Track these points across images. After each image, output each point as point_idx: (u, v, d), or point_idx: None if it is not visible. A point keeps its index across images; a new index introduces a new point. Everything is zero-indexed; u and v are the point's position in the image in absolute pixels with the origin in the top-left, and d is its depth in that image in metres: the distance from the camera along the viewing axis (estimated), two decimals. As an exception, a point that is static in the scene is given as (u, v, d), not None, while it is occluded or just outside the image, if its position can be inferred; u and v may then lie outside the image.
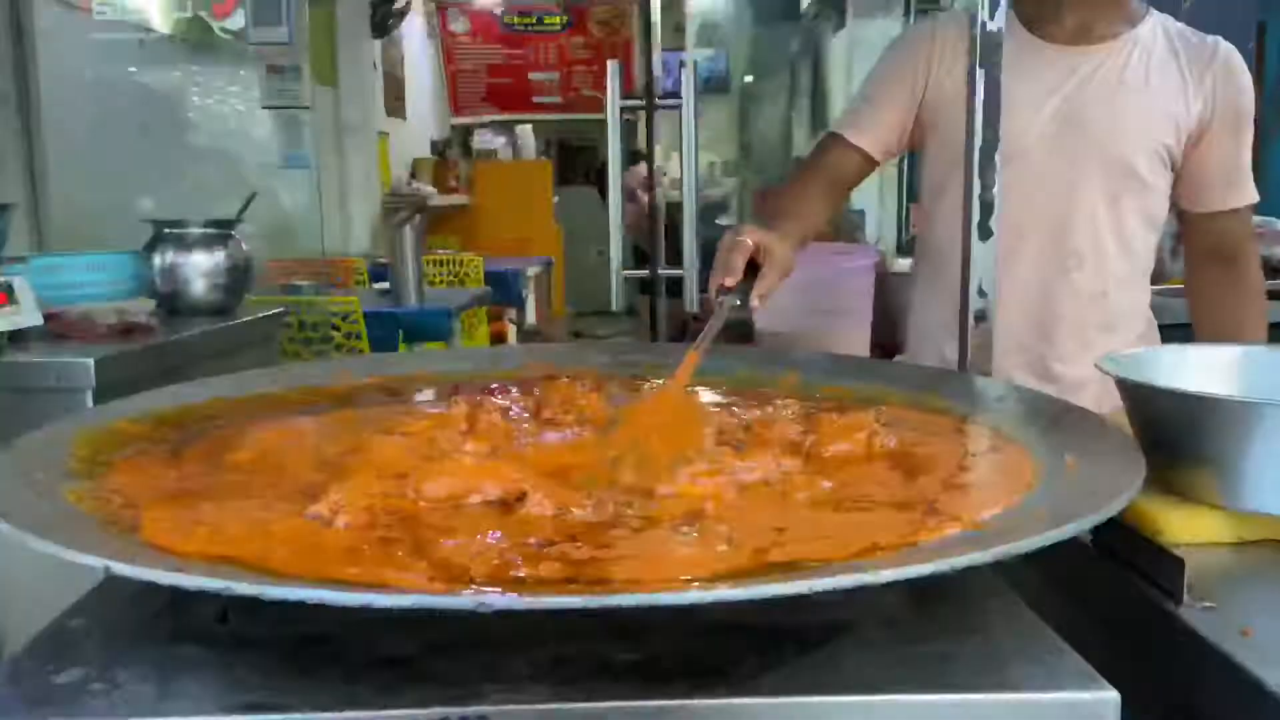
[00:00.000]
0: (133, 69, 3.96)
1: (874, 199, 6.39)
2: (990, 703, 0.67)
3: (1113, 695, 0.67)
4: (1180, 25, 1.60)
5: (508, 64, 9.02)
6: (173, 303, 2.49)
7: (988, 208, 1.20)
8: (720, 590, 0.56)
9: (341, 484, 0.80)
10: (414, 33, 7.90)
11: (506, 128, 8.72)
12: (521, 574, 0.65)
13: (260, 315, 2.58)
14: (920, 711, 0.67)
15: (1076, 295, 1.58)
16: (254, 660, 0.71)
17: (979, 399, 1.15)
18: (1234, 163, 1.57)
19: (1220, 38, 1.57)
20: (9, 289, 2.02)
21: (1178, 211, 1.64)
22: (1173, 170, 1.57)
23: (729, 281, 1.27)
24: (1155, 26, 1.57)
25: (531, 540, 0.71)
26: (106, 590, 0.83)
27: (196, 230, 2.49)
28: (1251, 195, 1.58)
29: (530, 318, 6.57)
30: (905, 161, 6.24)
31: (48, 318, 2.18)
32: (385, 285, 4.08)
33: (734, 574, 0.66)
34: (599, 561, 0.68)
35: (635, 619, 0.76)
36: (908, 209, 6.05)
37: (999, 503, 0.80)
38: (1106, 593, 0.94)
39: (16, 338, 2.04)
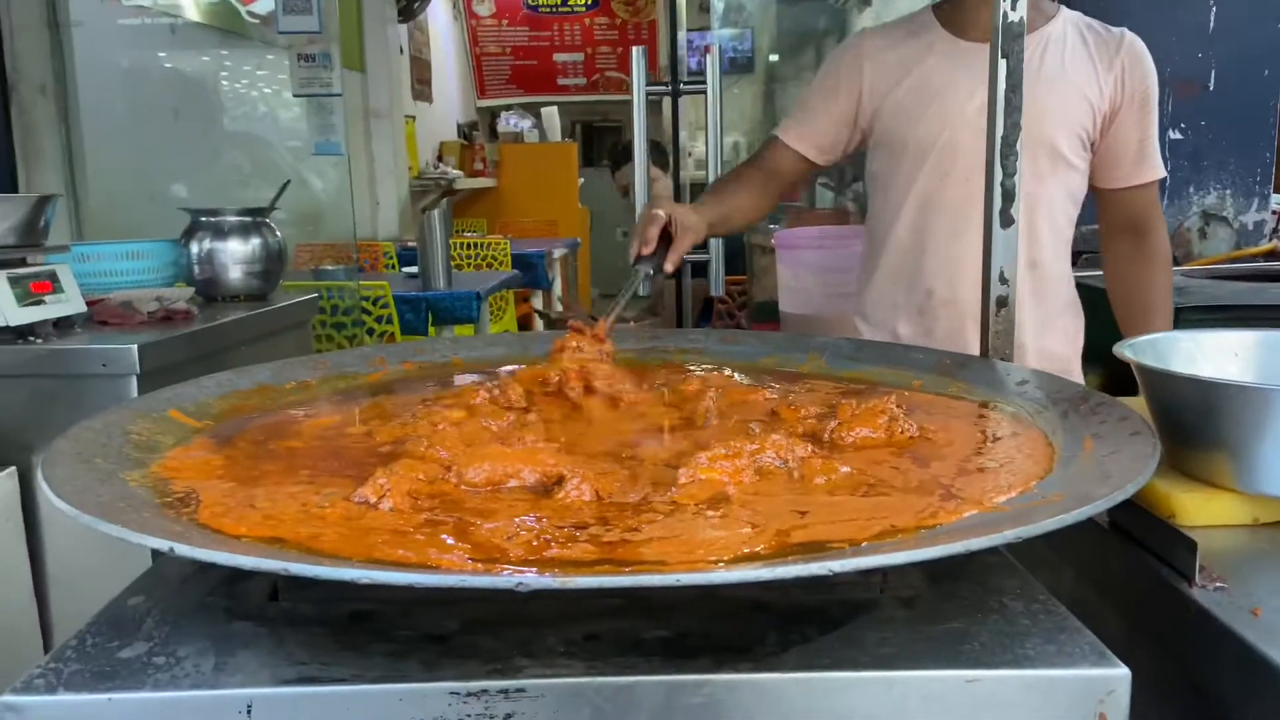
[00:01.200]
0: (164, 56, 4.01)
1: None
2: (1005, 679, 0.70)
3: (1124, 672, 0.69)
4: (1089, 19, 1.72)
5: (532, 46, 9.03)
6: (210, 289, 2.55)
7: (1009, 195, 1.21)
8: (745, 570, 0.59)
9: (388, 469, 0.84)
10: (439, 16, 7.92)
11: (532, 110, 8.73)
12: (555, 555, 0.69)
13: (294, 301, 2.63)
14: (937, 687, 0.70)
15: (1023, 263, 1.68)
16: (304, 636, 0.75)
17: (1000, 384, 1.18)
18: (1142, 141, 1.69)
19: (1125, 29, 1.70)
20: (53, 277, 2.08)
21: (1092, 188, 1.76)
22: (1090, 151, 1.70)
23: (643, 250, 1.43)
24: (1065, 22, 1.70)
25: (565, 523, 0.75)
26: (160, 571, 0.88)
27: (232, 218, 2.54)
28: (1158, 170, 1.72)
29: (557, 301, 6.61)
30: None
31: (91, 305, 2.24)
32: (414, 269, 4.13)
33: (758, 555, 0.69)
34: (629, 543, 0.71)
35: (663, 598, 0.80)
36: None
37: (1016, 486, 0.82)
38: (1122, 573, 0.97)
39: (61, 325, 2.10)
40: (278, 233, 2.64)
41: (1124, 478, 0.76)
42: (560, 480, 0.84)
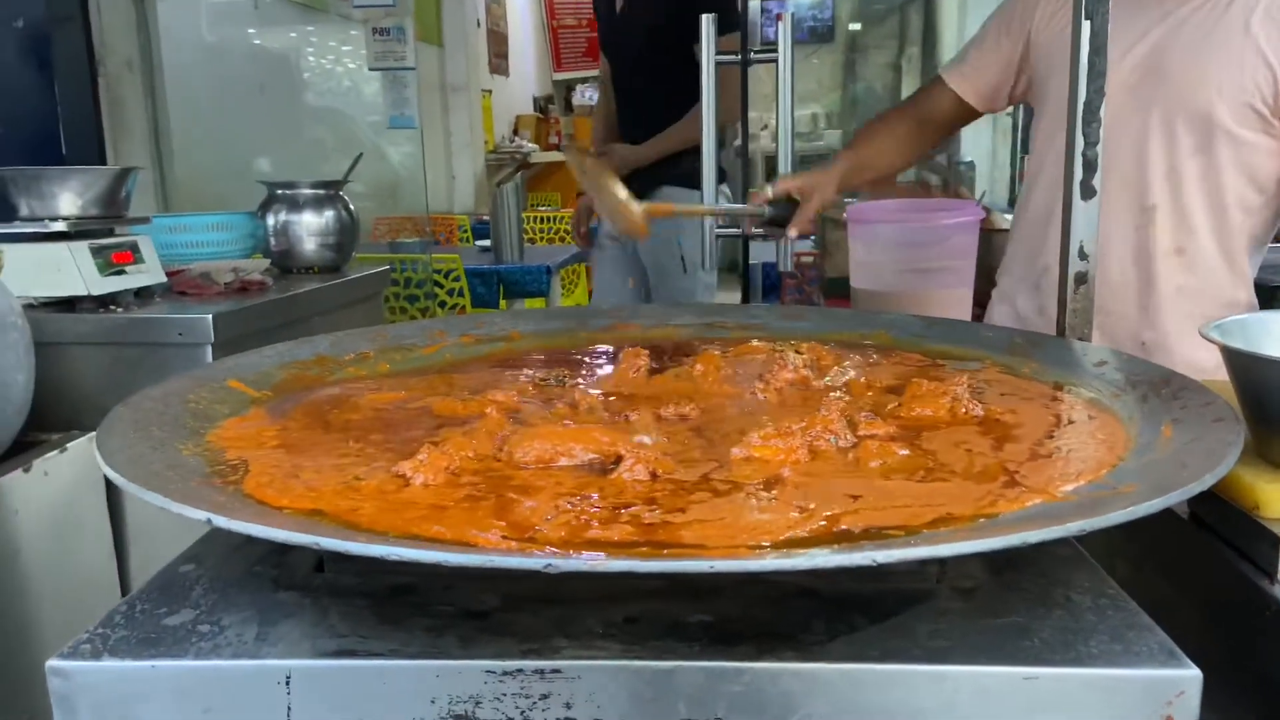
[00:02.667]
0: (247, 32, 4.09)
1: (986, 151, 6.18)
2: (1065, 677, 0.66)
3: (1194, 673, 0.65)
4: None
5: (611, 18, 8.98)
6: (285, 261, 2.59)
7: (1090, 165, 1.15)
8: (781, 559, 0.57)
9: (435, 444, 0.83)
10: (517, -13, 7.93)
11: (609, 82, 8.69)
12: (594, 536, 0.67)
13: (367, 273, 2.66)
14: (991, 683, 0.66)
15: (1150, 253, 1.52)
16: (345, 609, 0.75)
17: (1075, 365, 1.12)
18: None
19: None
20: (134, 248, 2.13)
21: None
22: None
23: (764, 195, 1.50)
24: None
25: (609, 503, 0.73)
26: (213, 538, 0.89)
27: (306, 190, 2.58)
28: None
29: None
30: (1019, 113, 6.03)
31: (171, 276, 2.30)
32: (487, 243, 4.16)
33: (804, 541, 0.66)
34: (670, 525, 0.69)
35: (706, 582, 0.78)
36: (1020, 162, 5.84)
37: (1085, 475, 0.78)
38: (1201, 568, 0.92)
39: (142, 294, 2.16)
40: (351, 205, 2.67)
41: (1202, 467, 0.71)
42: (618, 460, 0.82)
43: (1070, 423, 0.94)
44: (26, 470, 1.67)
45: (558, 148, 7.98)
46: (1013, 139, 5.99)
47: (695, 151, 2.94)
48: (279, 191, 2.58)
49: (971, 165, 5.90)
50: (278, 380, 1.14)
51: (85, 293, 1.95)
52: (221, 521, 0.63)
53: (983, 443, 0.89)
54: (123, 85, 3.23)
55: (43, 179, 1.97)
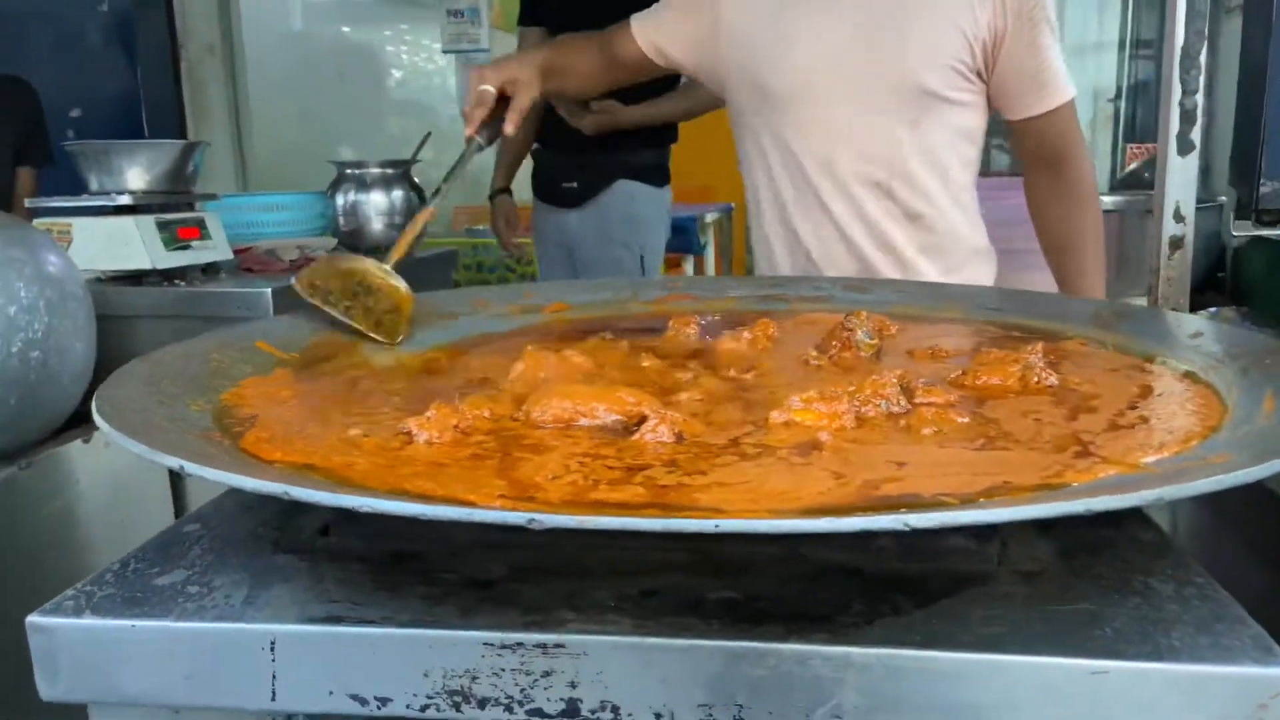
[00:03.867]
0: (327, 18, 4.13)
1: (1086, 135, 5.94)
2: (1140, 672, 0.57)
3: (1295, 674, 0.55)
4: None
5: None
6: (353, 240, 2.59)
7: (1188, 117, 1.04)
8: (795, 521, 0.49)
9: (447, 402, 0.78)
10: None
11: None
12: (599, 497, 0.60)
13: (433, 254, 2.64)
14: (1054, 676, 0.58)
15: (893, 223, 1.52)
16: (344, 574, 0.70)
17: (1168, 336, 1.01)
18: (1039, 65, 1.46)
19: None
20: (201, 224, 2.14)
21: (1002, 119, 1.56)
22: (981, 80, 1.49)
23: (469, 131, 1.35)
24: None
25: (625, 464, 0.66)
26: (224, 500, 0.85)
27: (375, 170, 2.57)
28: (1064, 94, 1.48)
29: (710, 268, 6.48)
30: (1123, 98, 5.77)
31: (238, 253, 2.31)
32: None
33: (834, 509, 0.59)
34: (686, 488, 0.62)
35: (735, 555, 0.71)
36: (1124, 147, 5.60)
37: (1171, 446, 0.68)
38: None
39: (209, 270, 2.17)
40: (420, 185, 2.66)
41: (1311, 435, 0.61)
42: (643, 421, 0.75)
43: (1157, 394, 0.84)
44: (87, 441, 1.67)
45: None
46: (1114, 125, 5.75)
47: (656, 143, 2.82)
48: (348, 171, 2.58)
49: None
50: (309, 344, 1.10)
51: (150, 266, 1.96)
52: (191, 468, 0.58)
53: (1055, 413, 0.80)
54: (204, 69, 3.29)
55: (109, 152, 1.99)
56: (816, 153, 1.51)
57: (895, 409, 0.79)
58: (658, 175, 2.80)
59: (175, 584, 0.69)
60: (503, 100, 1.38)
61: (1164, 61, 1.05)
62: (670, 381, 0.89)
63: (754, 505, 0.58)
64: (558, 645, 0.61)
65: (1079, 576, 0.68)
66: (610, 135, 2.64)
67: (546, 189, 2.84)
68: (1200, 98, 1.03)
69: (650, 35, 1.60)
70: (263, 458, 0.68)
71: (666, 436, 0.70)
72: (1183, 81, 1.02)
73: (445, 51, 3.98)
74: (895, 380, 0.81)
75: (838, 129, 1.49)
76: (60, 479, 1.66)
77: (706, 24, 1.57)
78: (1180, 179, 1.04)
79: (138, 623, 0.64)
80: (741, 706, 0.61)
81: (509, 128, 1.36)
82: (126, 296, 1.93)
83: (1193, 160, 1.03)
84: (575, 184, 2.73)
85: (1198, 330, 0.99)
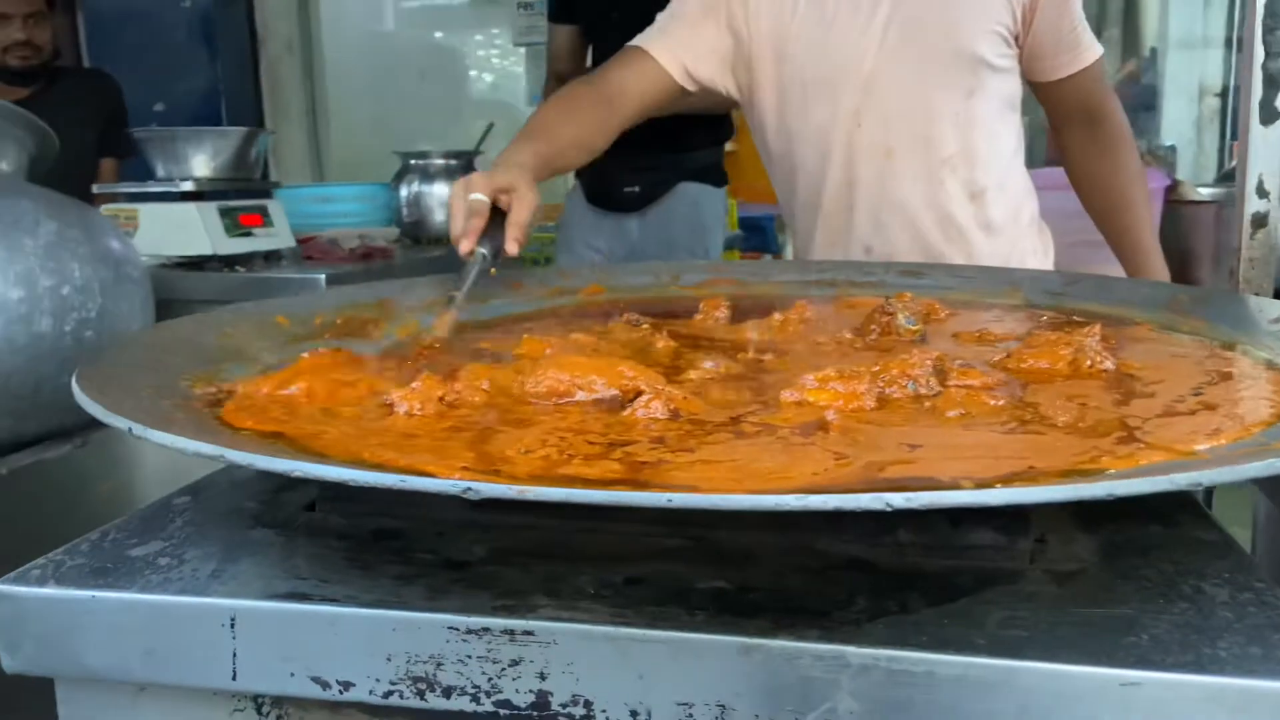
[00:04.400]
0: (408, 16, 4.17)
1: (1188, 137, 5.68)
2: (1178, 685, 0.50)
3: (1364, 695, 0.47)
4: None
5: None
6: (416, 231, 2.59)
7: (1273, 81, 0.94)
8: (760, 497, 0.43)
9: (443, 377, 0.74)
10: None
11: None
12: (569, 472, 0.55)
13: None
14: (1079, 686, 0.51)
15: (956, 204, 1.43)
16: (319, 551, 0.66)
17: (1247, 321, 0.92)
18: (1071, 24, 1.42)
19: None
20: (264, 212, 2.16)
21: (1030, 84, 1.50)
22: (1016, 45, 1.44)
23: (465, 246, 1.12)
24: None
25: (607, 440, 0.61)
26: (221, 475, 0.82)
27: (438, 160, 2.57)
28: (1093, 51, 1.45)
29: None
30: (1228, 94, 5.50)
31: (302, 242, 2.32)
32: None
33: (823, 490, 0.52)
34: (666, 465, 0.56)
35: (734, 545, 0.65)
36: (1230, 145, 5.34)
37: (1229, 433, 0.60)
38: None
39: (271, 258, 2.18)
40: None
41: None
42: (638, 394, 0.70)
43: (1227, 380, 0.75)
44: (141, 421, 1.69)
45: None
46: (1220, 121, 5.49)
47: (714, 141, 2.64)
48: (412, 162, 2.58)
49: (1173, 149, 5.41)
50: (332, 322, 1.07)
51: (211, 252, 1.98)
52: (138, 430, 0.55)
53: (1106, 397, 0.72)
54: (282, 65, 3.34)
55: (175, 139, 2.01)
56: (875, 138, 1.42)
57: (924, 390, 0.72)
58: (717, 175, 2.68)
59: (147, 555, 0.66)
60: (496, 212, 1.16)
61: (1246, 20, 0.95)
62: (682, 361, 0.83)
63: (736, 485, 0.52)
64: (526, 632, 0.56)
65: (1122, 578, 0.61)
66: (669, 136, 2.43)
67: (601, 193, 2.59)
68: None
69: (677, 55, 1.44)
70: (234, 425, 0.65)
71: (660, 412, 0.65)
72: (1266, 43, 0.92)
73: (516, 45, 3.98)
74: (928, 361, 0.74)
75: (895, 110, 1.41)
76: (115, 457, 1.68)
77: (727, 28, 1.46)
78: (1264, 150, 0.94)
79: (98, 594, 0.62)
80: (724, 708, 0.55)
81: (513, 247, 1.14)
82: (188, 281, 1.96)
83: (1277, 129, 0.94)
84: (637, 188, 2.54)
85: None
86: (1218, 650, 0.52)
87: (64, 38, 3.19)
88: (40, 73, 2.73)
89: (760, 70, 1.47)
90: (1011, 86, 1.46)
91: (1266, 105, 0.95)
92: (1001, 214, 1.46)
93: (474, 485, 0.43)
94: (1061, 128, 1.53)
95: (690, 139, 2.54)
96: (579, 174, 2.66)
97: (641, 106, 1.43)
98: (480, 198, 1.14)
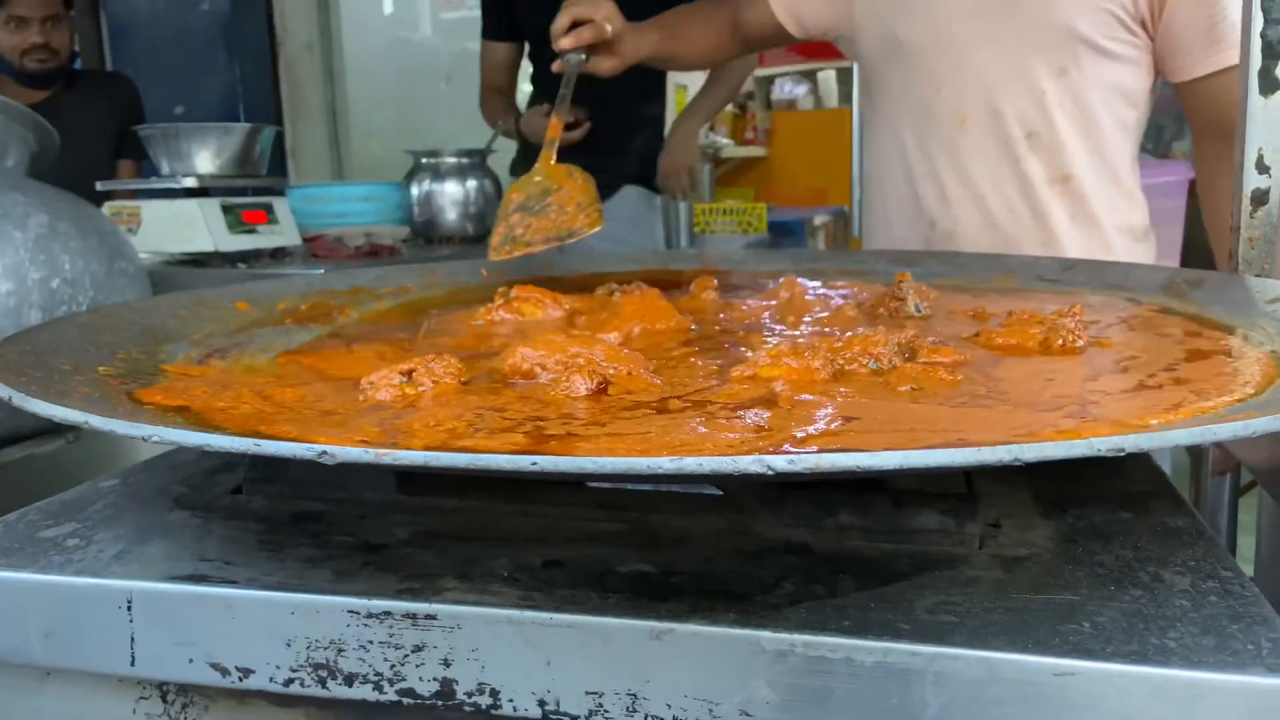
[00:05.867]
0: (430, 19, 4.17)
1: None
2: (1117, 676, 0.45)
3: (1320, 689, 0.43)
4: None
5: (813, 9, 8.69)
6: (427, 230, 2.57)
7: (1271, 50, 0.89)
8: (629, 460, 0.39)
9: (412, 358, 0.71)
10: (717, -19, 7.80)
11: (808, 76, 8.43)
12: (468, 444, 0.52)
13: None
14: (1006, 674, 0.46)
15: (1033, 185, 1.35)
16: (232, 533, 0.64)
17: (1243, 303, 0.86)
18: (1212, 17, 1.26)
19: None
20: (269, 209, 2.15)
21: (1171, 85, 1.36)
22: (1145, 32, 1.31)
23: (565, 43, 1.26)
24: None
25: (524, 416, 0.58)
26: (159, 460, 0.80)
27: (450, 160, 2.55)
28: (1235, 53, 1.18)
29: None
30: None
31: (309, 240, 2.32)
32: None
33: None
34: (573, 439, 0.53)
35: (669, 528, 0.61)
36: None
37: (1189, 409, 0.56)
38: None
39: (277, 255, 2.17)
40: (495, 176, 2.62)
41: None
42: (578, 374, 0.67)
43: (1204, 359, 0.70)
44: (137, 417, 1.68)
45: (754, 143, 7.82)
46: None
47: (652, 149, 2.71)
48: (423, 160, 2.56)
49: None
50: (298, 308, 1.05)
51: (213, 249, 1.98)
52: (18, 399, 0.53)
53: (1075, 374, 0.68)
54: (301, 66, 3.35)
55: (177, 135, 2.01)
56: (950, 106, 1.36)
57: (884, 367, 0.68)
58: (652, 181, 2.76)
59: (56, 537, 0.64)
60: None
61: (1243, -11, 0.90)
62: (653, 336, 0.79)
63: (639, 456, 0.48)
64: (429, 616, 0.53)
65: (1075, 564, 0.56)
66: (613, 142, 2.58)
67: None
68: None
69: (793, 9, 1.48)
70: (143, 402, 0.62)
71: (581, 389, 0.61)
72: (1265, 9, 0.87)
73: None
74: (894, 340, 0.70)
75: (975, 78, 1.34)
76: (108, 453, 1.67)
77: None
78: (1264, 122, 0.89)
79: (-2, 574, 0.59)
80: (635, 697, 0.51)
81: (605, 66, 1.29)
82: (186, 277, 1.95)
83: (1277, 101, 0.88)
84: None
85: (1278, 296, 0.84)
86: (1166, 640, 0.47)
87: (88, 41, 3.23)
88: (58, 75, 2.76)
89: (858, 27, 1.45)
90: (1128, 77, 1.34)
91: (1266, 74, 0.90)
92: (1093, 209, 1.36)
93: (329, 449, 0.40)
94: (1196, 138, 1.40)
95: (631, 143, 2.65)
96: (514, 174, 2.72)
97: (755, 41, 1.54)
98: (608, 30, 1.26)
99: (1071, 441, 0.38)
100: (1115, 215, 1.38)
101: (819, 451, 0.43)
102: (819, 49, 8.64)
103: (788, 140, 7.77)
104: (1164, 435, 0.40)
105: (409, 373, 0.66)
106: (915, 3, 1.36)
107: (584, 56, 1.26)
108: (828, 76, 8.33)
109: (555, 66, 1.32)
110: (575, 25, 1.30)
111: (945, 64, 1.35)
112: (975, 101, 1.35)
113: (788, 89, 8.48)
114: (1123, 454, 0.39)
